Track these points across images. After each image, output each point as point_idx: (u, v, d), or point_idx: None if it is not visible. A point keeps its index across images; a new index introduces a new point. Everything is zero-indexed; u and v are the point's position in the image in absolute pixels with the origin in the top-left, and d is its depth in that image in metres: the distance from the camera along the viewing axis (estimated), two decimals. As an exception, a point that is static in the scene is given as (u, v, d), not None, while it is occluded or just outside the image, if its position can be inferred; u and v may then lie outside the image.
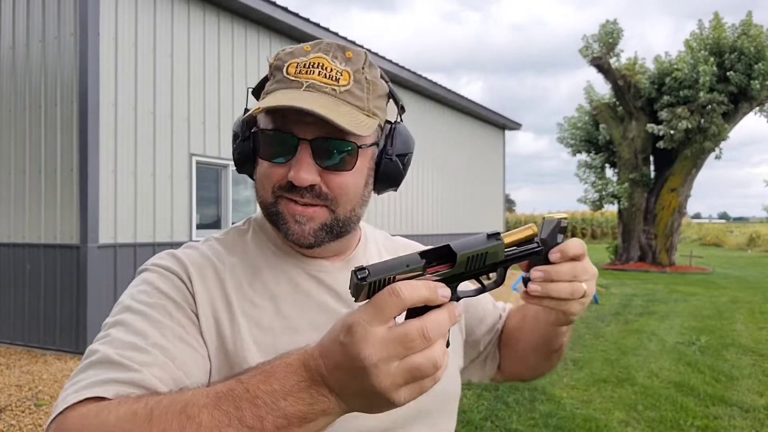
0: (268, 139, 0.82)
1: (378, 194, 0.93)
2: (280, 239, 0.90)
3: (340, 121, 0.76)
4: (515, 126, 16.22)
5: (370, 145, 0.85)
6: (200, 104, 6.76)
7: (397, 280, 0.56)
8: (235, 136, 0.89)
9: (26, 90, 6.12)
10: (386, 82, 0.89)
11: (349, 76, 0.82)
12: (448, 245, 0.61)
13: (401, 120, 0.92)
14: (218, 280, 0.83)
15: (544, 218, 0.77)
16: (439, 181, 12.43)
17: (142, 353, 0.71)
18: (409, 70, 10.65)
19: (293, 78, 0.81)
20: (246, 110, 0.89)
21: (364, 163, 0.85)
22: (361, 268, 0.55)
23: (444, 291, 0.57)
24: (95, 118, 5.69)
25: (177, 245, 0.96)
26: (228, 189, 7.29)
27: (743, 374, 5.63)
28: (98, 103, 5.72)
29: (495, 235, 0.63)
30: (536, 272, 0.74)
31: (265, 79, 0.88)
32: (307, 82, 0.80)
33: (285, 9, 7.68)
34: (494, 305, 1.11)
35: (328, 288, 0.88)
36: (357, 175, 0.83)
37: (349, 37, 9.06)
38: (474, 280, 0.66)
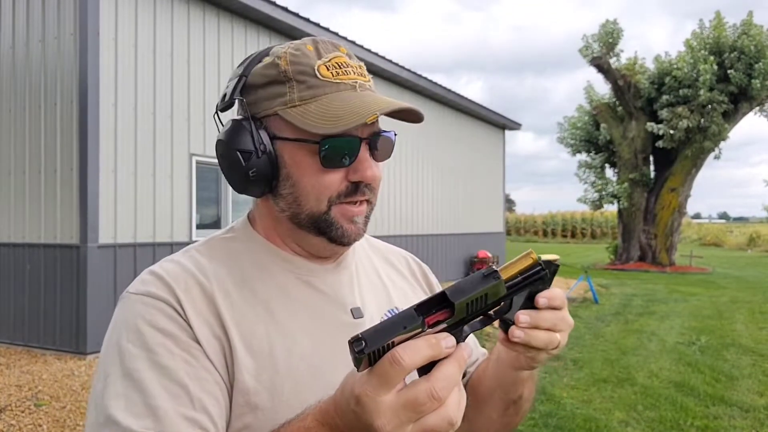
0: (336, 146, 0.79)
1: None
2: (277, 245, 0.88)
3: (418, 113, 0.82)
4: (515, 126, 16.22)
5: None
6: (200, 104, 6.76)
7: (397, 343, 0.54)
8: (246, 153, 0.81)
9: (26, 90, 6.11)
10: None
11: (364, 70, 0.85)
12: (444, 293, 0.58)
13: None
14: (206, 296, 0.79)
15: (539, 258, 0.73)
16: (438, 181, 12.43)
17: (160, 413, 0.70)
18: (409, 70, 10.65)
19: (336, 80, 0.81)
20: (251, 119, 0.82)
21: None
22: (357, 339, 0.54)
23: (448, 341, 0.56)
24: (95, 118, 5.69)
25: (177, 245, 0.94)
26: (228, 189, 7.29)
27: (743, 374, 5.63)
28: (98, 103, 5.72)
29: (492, 274, 0.60)
30: (523, 316, 0.70)
31: (260, 86, 0.82)
32: (355, 82, 0.82)
33: (285, 9, 7.68)
34: (476, 345, 1.07)
35: (321, 292, 0.87)
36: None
37: (348, 37, 9.07)
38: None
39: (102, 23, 5.76)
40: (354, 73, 0.82)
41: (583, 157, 19.41)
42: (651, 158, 17.79)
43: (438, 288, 1.04)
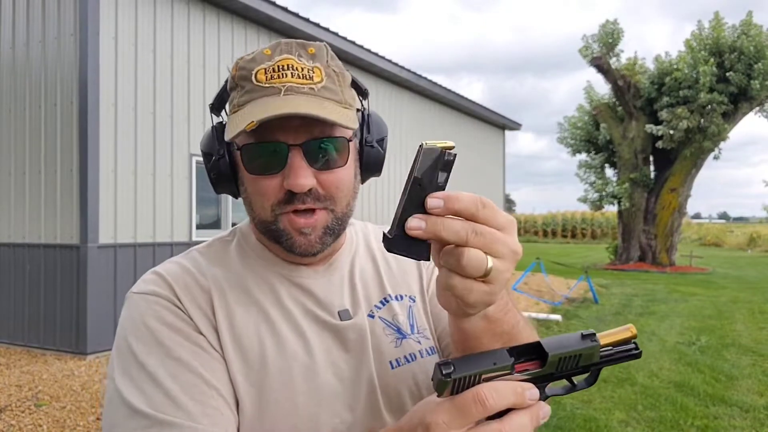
0: (256, 153, 0.79)
1: (362, 183, 0.91)
2: (268, 248, 0.89)
3: (337, 119, 0.76)
4: (515, 126, 16.22)
5: (353, 136, 0.85)
6: (200, 104, 6.76)
7: (483, 380, 0.54)
8: (208, 156, 0.86)
9: (26, 90, 6.12)
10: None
11: (321, 72, 0.80)
12: (539, 343, 0.58)
13: (368, 105, 0.91)
14: (203, 293, 0.82)
15: (421, 146, 0.55)
16: (439, 181, 12.42)
17: (180, 402, 0.72)
18: (408, 70, 10.65)
19: (267, 85, 0.78)
20: (214, 127, 0.87)
21: (352, 155, 0.84)
22: (446, 363, 0.53)
23: (532, 393, 0.55)
24: (95, 118, 5.69)
25: (177, 245, 0.95)
26: (228, 189, 7.29)
27: (743, 374, 5.63)
28: (98, 103, 5.72)
29: (590, 336, 0.59)
30: (414, 221, 0.54)
31: (224, 92, 0.88)
32: (284, 86, 0.78)
33: (285, 9, 7.68)
34: None
35: (310, 294, 0.87)
36: (348, 170, 0.83)
37: (348, 38, 9.06)
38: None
39: (102, 23, 5.76)
40: (293, 75, 0.78)
41: (583, 157, 19.41)
42: (651, 158, 17.79)
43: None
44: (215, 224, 7.16)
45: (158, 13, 6.38)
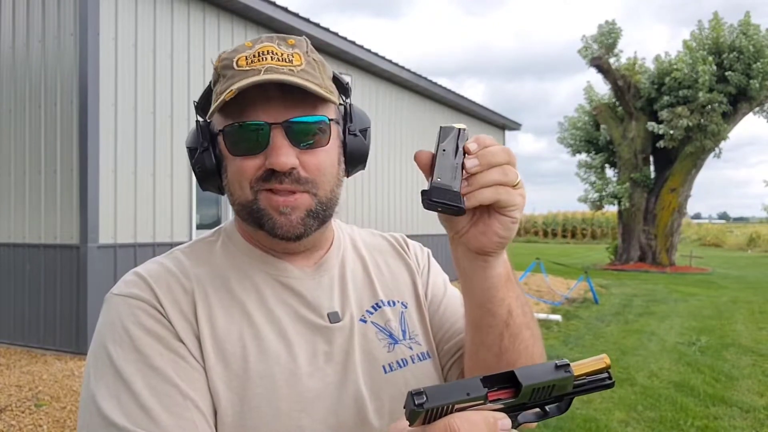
0: (236, 134, 0.79)
1: (348, 176, 0.91)
2: (254, 245, 0.88)
3: (316, 89, 0.77)
4: (515, 126, 16.21)
5: (335, 121, 0.85)
6: (200, 104, 6.77)
7: (456, 409, 0.54)
8: (193, 151, 0.85)
9: (26, 90, 6.11)
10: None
11: (301, 58, 0.81)
12: (513, 372, 0.58)
13: (350, 101, 0.91)
14: (186, 297, 0.80)
15: (441, 127, 0.72)
16: (439, 181, 12.41)
17: (154, 414, 0.71)
18: (408, 70, 10.64)
19: (248, 68, 0.78)
20: (198, 123, 0.86)
21: (334, 140, 0.84)
22: (419, 393, 0.53)
23: (504, 423, 0.55)
24: (95, 118, 5.69)
25: (177, 245, 0.94)
26: (228, 189, 7.28)
27: (743, 374, 5.63)
28: (98, 103, 5.72)
29: (565, 367, 0.59)
30: (470, 161, 0.69)
31: (209, 90, 0.86)
32: (263, 67, 0.78)
33: (285, 9, 7.68)
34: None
35: (298, 295, 0.86)
36: (331, 153, 0.83)
37: (348, 38, 9.06)
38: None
39: (102, 23, 5.76)
40: (272, 59, 0.79)
41: (583, 157, 19.42)
42: (651, 158, 17.79)
43: (418, 252, 1.04)
44: (215, 224, 7.12)
45: (158, 13, 6.38)
